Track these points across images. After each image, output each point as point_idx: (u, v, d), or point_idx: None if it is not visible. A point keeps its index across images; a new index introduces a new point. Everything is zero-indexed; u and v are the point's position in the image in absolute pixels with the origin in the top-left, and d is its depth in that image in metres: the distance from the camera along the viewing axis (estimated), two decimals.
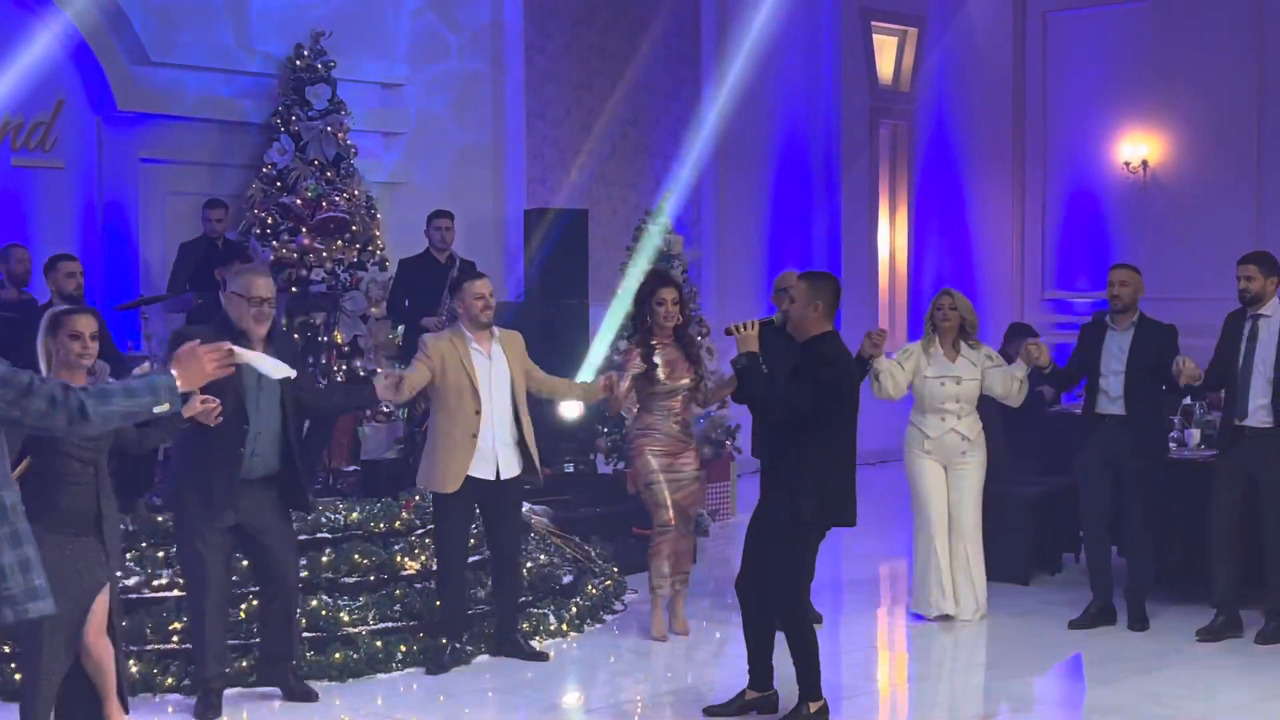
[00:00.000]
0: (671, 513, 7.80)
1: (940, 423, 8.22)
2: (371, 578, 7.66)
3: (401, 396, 7.09)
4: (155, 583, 7.23)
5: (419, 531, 8.04)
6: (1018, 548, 9.30)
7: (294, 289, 10.26)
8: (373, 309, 10.42)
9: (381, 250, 10.78)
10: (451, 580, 7.38)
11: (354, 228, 10.57)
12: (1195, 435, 8.94)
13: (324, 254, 10.37)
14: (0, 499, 4.07)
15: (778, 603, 6.37)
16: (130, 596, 7.11)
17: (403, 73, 12.02)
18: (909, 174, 16.19)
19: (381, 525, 7.94)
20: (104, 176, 10.63)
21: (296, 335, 9.91)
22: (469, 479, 7.23)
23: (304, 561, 7.43)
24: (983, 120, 16.11)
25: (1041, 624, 8.29)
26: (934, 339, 8.24)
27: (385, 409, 9.08)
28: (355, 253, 10.57)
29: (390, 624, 7.49)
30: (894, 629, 8.50)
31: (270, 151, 10.68)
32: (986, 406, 8.30)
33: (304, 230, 10.38)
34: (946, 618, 8.26)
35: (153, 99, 10.67)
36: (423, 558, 7.86)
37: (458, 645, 7.39)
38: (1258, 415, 7.70)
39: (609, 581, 8.83)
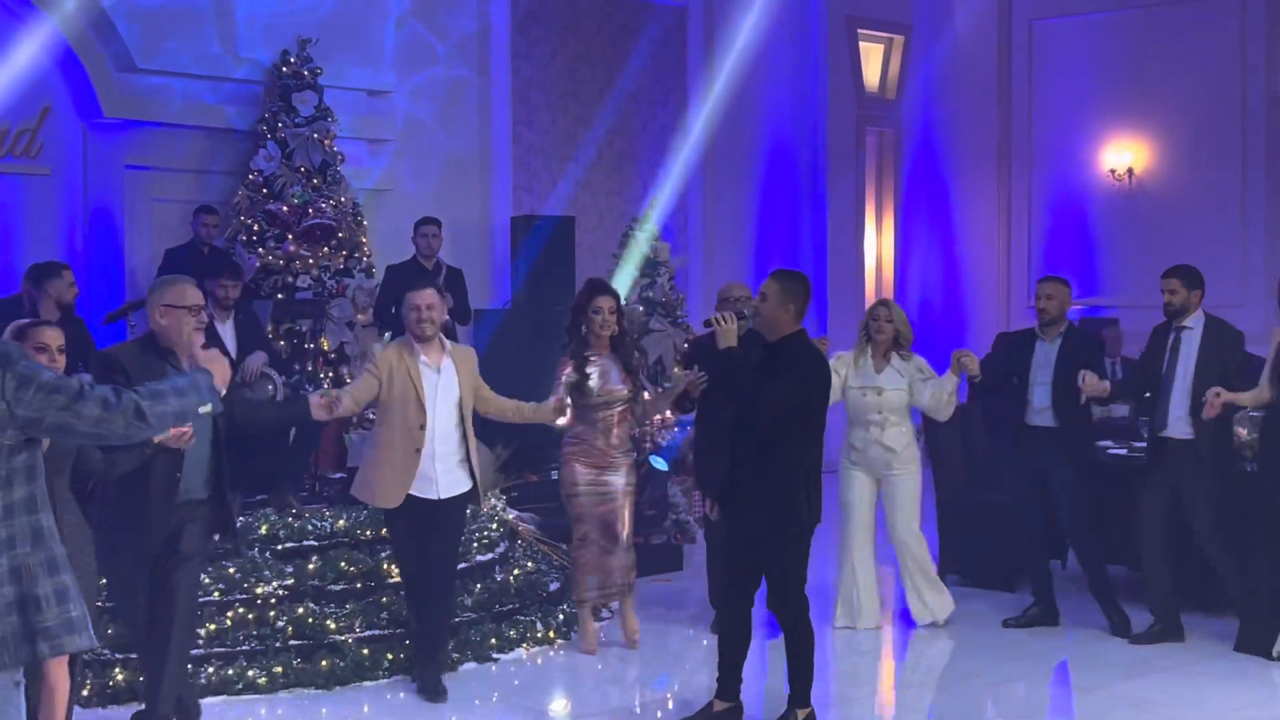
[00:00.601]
0: (587, 526, 7.71)
1: (865, 434, 8.18)
2: (358, 585, 7.65)
3: (339, 414, 6.81)
4: None
5: None
6: (1002, 554, 9.32)
7: (280, 296, 10.24)
8: (359, 316, 10.40)
9: (368, 257, 10.76)
10: (410, 607, 7.22)
11: (340, 235, 10.54)
12: None
13: (310, 261, 10.34)
14: (37, 522, 3.80)
15: (786, 608, 6.34)
16: (111, 604, 7.09)
17: (389, 80, 12.00)
18: (895, 181, 16.23)
19: (368, 532, 7.92)
20: (90, 183, 10.60)
21: (283, 343, 9.90)
22: (409, 497, 6.97)
23: (290, 569, 7.41)
24: (969, 128, 16.14)
25: (1027, 630, 8.29)
26: (866, 349, 8.20)
27: (371, 415, 9.01)
28: (342, 260, 10.54)
29: (377, 631, 7.48)
30: (881, 637, 8.50)
31: (256, 158, 10.65)
32: (971, 413, 8.31)
33: (290, 237, 10.35)
34: (850, 628, 8.30)
35: (139, 106, 10.64)
36: None
37: (434, 667, 7.13)
38: (1177, 427, 7.78)
39: None
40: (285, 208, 10.40)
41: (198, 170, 10.95)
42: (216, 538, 6.39)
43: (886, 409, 8.11)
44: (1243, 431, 8.68)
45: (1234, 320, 12.64)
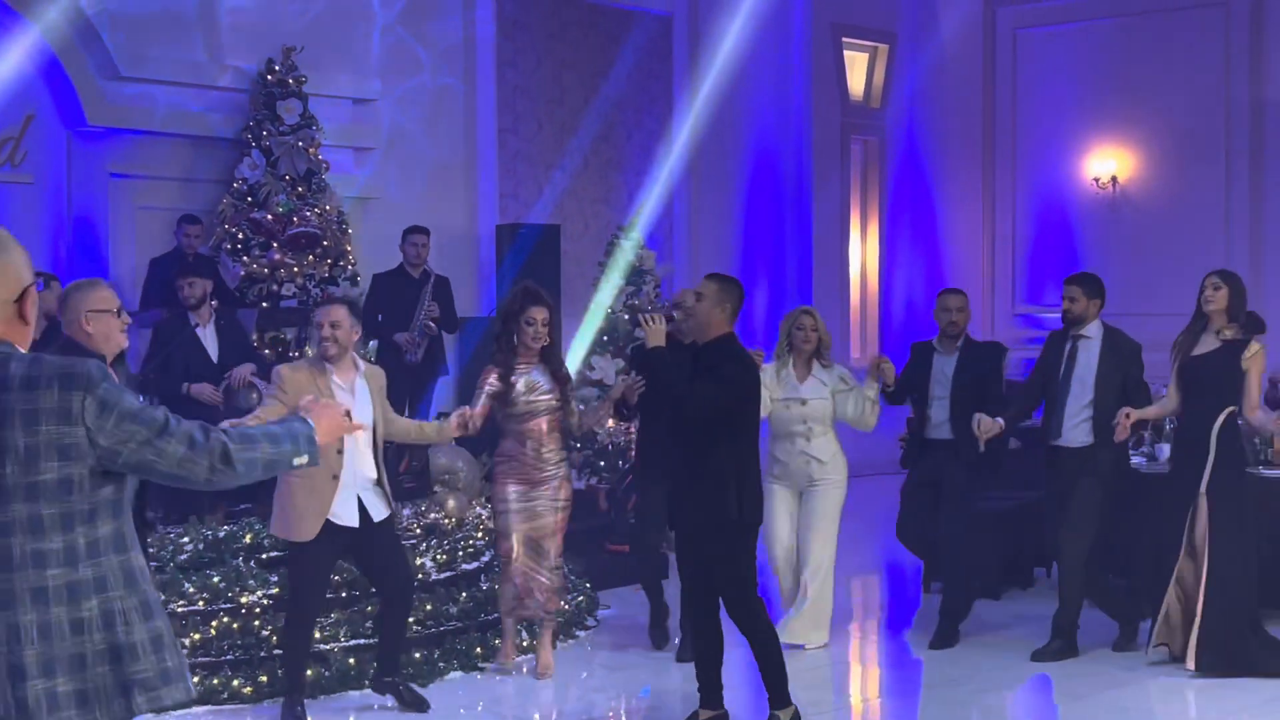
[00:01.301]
0: (511, 543, 7.41)
1: (790, 446, 7.99)
2: (343, 594, 7.63)
3: None
4: None
5: None
6: (989, 562, 9.33)
7: (265, 304, 10.23)
8: None
9: (353, 266, 10.75)
10: (297, 633, 6.71)
11: (325, 243, 10.54)
12: (1166, 450, 8.97)
13: (295, 269, 10.34)
14: (128, 562, 3.37)
15: (738, 612, 6.33)
16: None
17: (374, 88, 12.00)
18: (880, 189, 16.25)
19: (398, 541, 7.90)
20: (74, 191, 10.58)
21: (268, 351, 9.88)
22: (331, 526, 6.55)
23: (275, 578, 7.39)
24: (953, 136, 16.18)
25: (1012, 638, 8.30)
26: (788, 360, 8.04)
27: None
28: (326, 268, 10.54)
29: (362, 641, 7.46)
30: (865, 645, 8.50)
31: (241, 166, 10.64)
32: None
33: (275, 245, 10.35)
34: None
35: (123, 114, 10.62)
36: None
37: (299, 709, 6.69)
38: (1072, 435, 7.77)
39: (581, 598, 8.82)
40: (270, 216, 10.40)
41: (182, 178, 10.94)
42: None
43: (811, 419, 7.95)
44: None
45: None
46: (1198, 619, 7.44)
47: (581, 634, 8.44)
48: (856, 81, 16.01)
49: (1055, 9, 15.56)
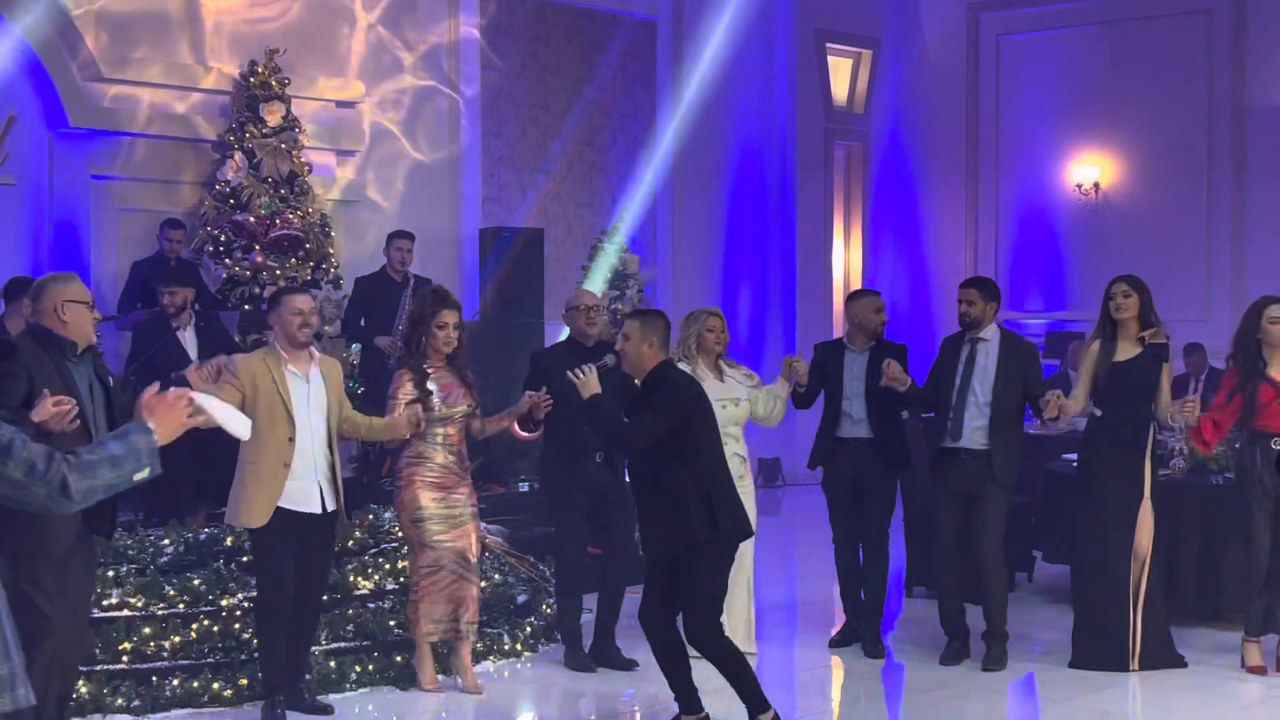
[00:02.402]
0: (438, 553, 7.16)
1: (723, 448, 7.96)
2: (325, 597, 7.61)
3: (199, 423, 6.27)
4: (105, 602, 7.16)
5: (372, 550, 8.00)
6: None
7: (247, 307, 10.21)
8: (326, 328, 10.37)
9: (335, 268, 10.74)
10: (270, 627, 6.70)
11: (307, 246, 10.52)
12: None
13: (277, 272, 10.31)
14: None
15: (698, 634, 6.26)
16: None
17: (357, 90, 11.99)
18: (863, 194, 16.28)
19: (335, 546, 7.88)
20: (55, 193, 10.55)
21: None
22: (284, 512, 6.54)
23: (255, 581, 7.37)
24: (936, 142, 16.21)
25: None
26: (697, 360, 7.78)
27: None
28: (309, 271, 10.52)
29: (344, 644, 7.44)
30: (848, 650, 8.48)
31: (223, 169, 10.62)
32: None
33: (257, 248, 10.33)
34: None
35: (105, 115, 10.60)
36: (376, 577, 7.82)
37: (281, 699, 6.73)
38: (973, 437, 7.76)
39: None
40: (252, 218, 10.38)
41: (164, 180, 10.91)
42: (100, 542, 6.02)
43: (740, 420, 7.85)
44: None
45: (1198, 336, 12.86)
46: (1140, 621, 7.58)
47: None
48: (840, 87, 16.04)
49: (1039, 15, 15.60)
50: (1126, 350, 7.61)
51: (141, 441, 3.54)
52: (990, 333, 7.87)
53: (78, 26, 10.39)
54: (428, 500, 7.16)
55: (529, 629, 8.22)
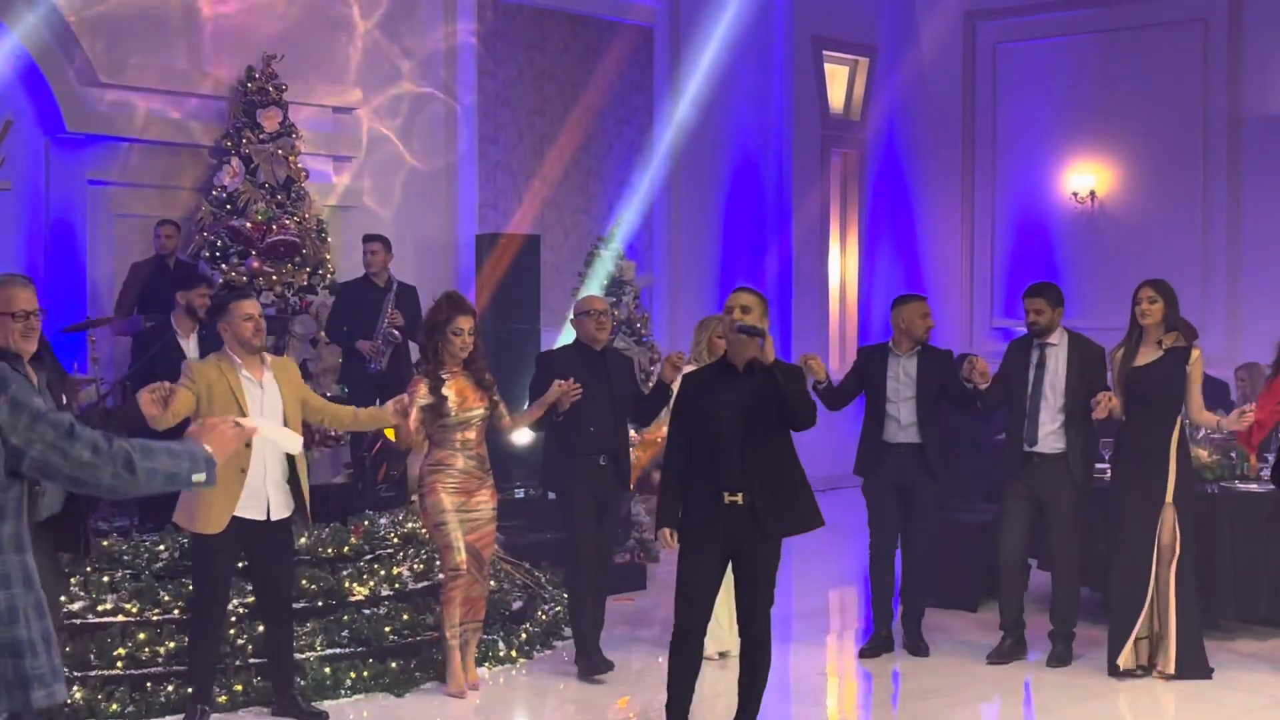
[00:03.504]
0: (464, 555, 7.21)
1: None
2: (319, 603, 7.61)
3: (165, 424, 6.25)
4: (100, 608, 7.16)
5: (368, 556, 8.00)
6: (966, 575, 9.35)
7: None
8: (322, 333, 10.37)
9: (332, 274, 10.73)
10: (208, 635, 6.68)
11: (304, 251, 10.52)
12: None
13: (274, 277, 10.31)
14: (25, 562, 3.51)
15: (767, 622, 6.18)
16: (74, 622, 7.05)
17: (354, 96, 11.99)
18: (860, 201, 16.29)
19: (330, 550, 7.89)
20: (52, 198, 10.55)
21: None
22: (236, 520, 6.52)
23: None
24: (933, 149, 16.23)
25: (989, 651, 8.30)
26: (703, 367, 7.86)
27: (333, 433, 8.94)
28: (305, 276, 10.52)
29: (338, 650, 7.44)
30: (844, 657, 8.50)
31: (220, 174, 10.62)
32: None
33: (254, 253, 10.32)
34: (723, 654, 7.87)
35: (102, 120, 10.60)
36: (371, 583, 7.82)
37: (207, 708, 6.71)
38: (1047, 441, 7.87)
39: (559, 608, 8.80)
40: (249, 224, 10.37)
41: (161, 185, 10.91)
42: (66, 557, 5.89)
43: None
44: (1204, 453, 8.76)
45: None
46: (1173, 627, 7.57)
47: (559, 644, 8.42)
48: (837, 94, 16.06)
49: (1035, 24, 15.62)
50: (1147, 355, 7.65)
51: (199, 450, 3.61)
52: (1058, 337, 7.98)
53: (75, 32, 10.39)
54: (449, 505, 7.23)
55: (524, 635, 8.23)
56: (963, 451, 9.29)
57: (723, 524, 6.00)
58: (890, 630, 8.31)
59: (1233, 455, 8.61)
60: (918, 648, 8.24)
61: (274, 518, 6.63)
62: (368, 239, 10.55)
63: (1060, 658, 7.95)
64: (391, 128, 12.38)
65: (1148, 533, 7.57)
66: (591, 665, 7.72)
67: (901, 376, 8.18)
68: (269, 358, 6.79)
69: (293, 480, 6.68)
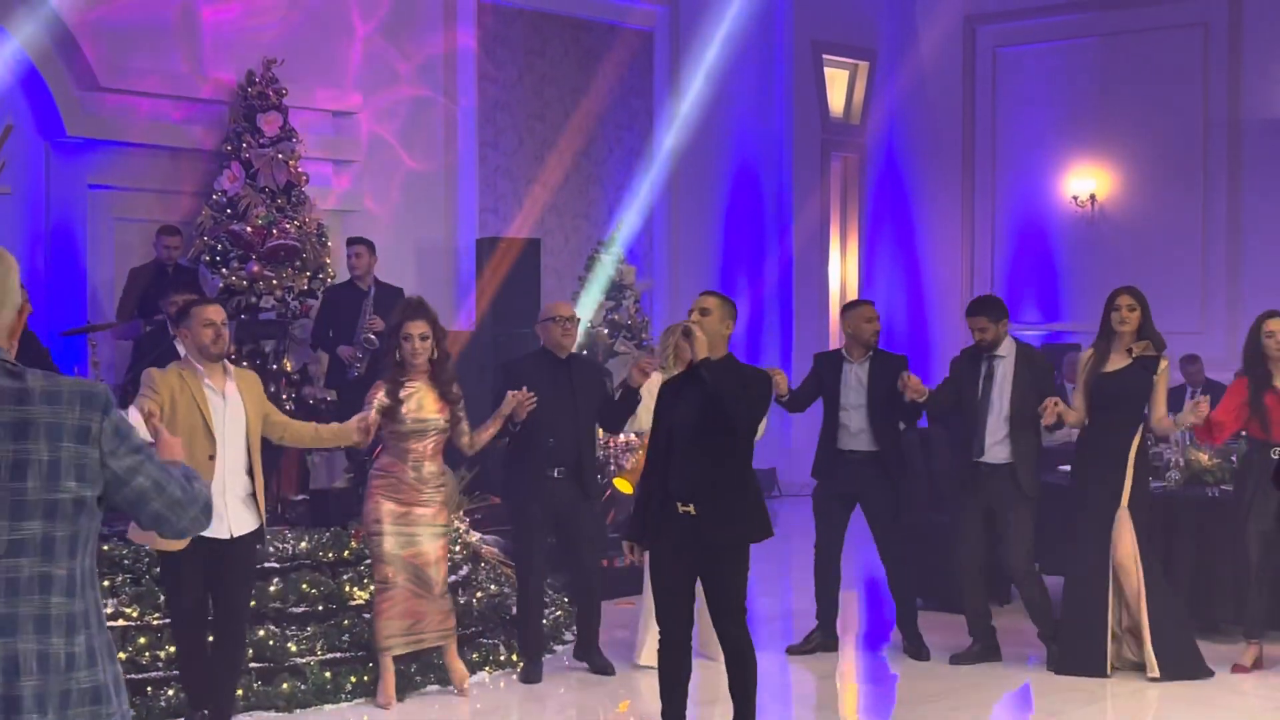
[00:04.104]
0: (392, 569, 7.06)
1: None
2: (320, 607, 7.61)
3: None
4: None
5: (368, 561, 7.99)
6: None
7: (244, 316, 10.20)
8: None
9: (332, 279, 10.73)
10: (192, 651, 6.52)
11: (304, 255, 10.52)
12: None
13: (274, 281, 10.31)
14: (99, 600, 3.20)
15: (742, 627, 6.18)
16: None
17: (354, 100, 11.99)
18: (860, 205, 16.29)
19: (330, 554, 7.90)
20: (52, 202, 10.55)
21: (245, 364, 9.84)
22: (199, 539, 6.00)
23: (251, 591, 7.36)
24: (933, 153, 16.23)
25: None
26: (674, 372, 7.47)
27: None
28: (305, 280, 10.52)
29: (339, 654, 7.44)
30: (841, 660, 8.49)
31: (220, 178, 10.62)
32: (931, 434, 8.20)
33: (254, 258, 10.32)
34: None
35: (102, 125, 10.60)
36: (371, 588, 7.81)
37: (205, 713, 6.52)
38: (994, 452, 7.93)
39: (559, 611, 8.80)
40: (249, 228, 10.37)
41: (161, 190, 10.91)
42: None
43: None
44: (1204, 456, 8.77)
45: (1194, 347, 12.88)
46: (1147, 630, 7.64)
47: (559, 648, 8.42)
48: (837, 98, 16.06)
49: (1035, 27, 15.62)
50: (1116, 361, 7.75)
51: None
52: (1006, 349, 8.03)
53: (75, 36, 10.39)
54: (384, 513, 7.13)
55: None
56: (959, 454, 9.27)
57: (679, 533, 6.01)
58: (830, 632, 8.38)
59: (1234, 459, 8.61)
60: (919, 651, 8.27)
61: (235, 534, 6.34)
62: (351, 242, 10.50)
63: (1056, 657, 7.96)
64: (391, 132, 12.38)
65: (1103, 535, 7.66)
66: (535, 674, 7.71)
67: (853, 383, 8.21)
68: (232, 368, 6.59)
69: (253, 496, 6.44)
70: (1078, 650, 7.80)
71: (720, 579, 6.08)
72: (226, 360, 6.54)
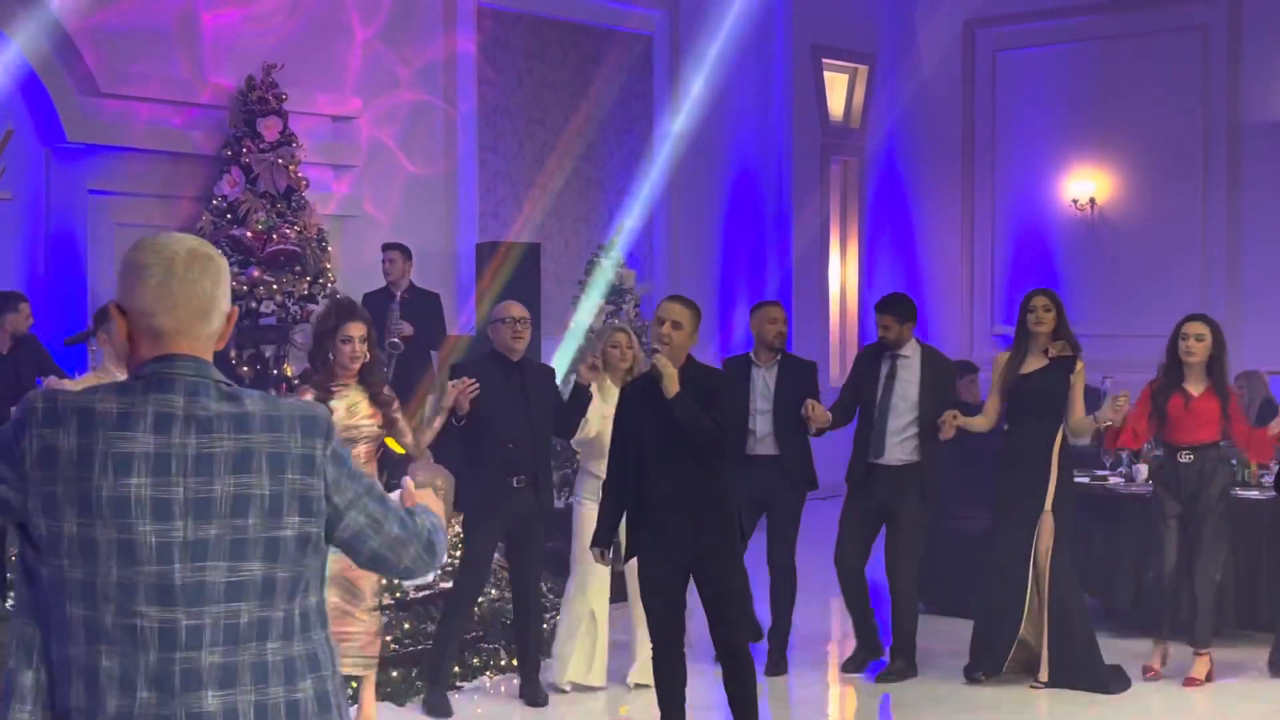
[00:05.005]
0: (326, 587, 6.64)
1: None
2: None
3: None
4: None
5: None
6: (964, 583, 9.33)
7: (244, 322, 10.21)
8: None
9: (332, 283, 10.74)
10: None
11: (305, 260, 10.53)
12: (1144, 470, 9.05)
13: (274, 286, 10.32)
14: (330, 638, 2.94)
15: (742, 635, 6.21)
16: None
17: (354, 105, 12.00)
18: (860, 209, 16.31)
19: None
20: (52, 208, 10.55)
21: (246, 368, 9.84)
22: None
23: None
24: (933, 157, 16.24)
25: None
26: (604, 375, 7.53)
27: None
28: (306, 285, 10.52)
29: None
30: (834, 669, 8.49)
31: (221, 183, 10.63)
32: (931, 439, 8.06)
33: (254, 263, 10.33)
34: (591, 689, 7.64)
35: (102, 130, 10.60)
36: None
37: None
38: (894, 453, 7.87)
39: (558, 616, 8.78)
40: (249, 233, 10.38)
41: (161, 195, 10.91)
42: None
43: None
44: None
45: None
46: (1046, 634, 7.65)
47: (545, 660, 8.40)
48: (836, 102, 16.07)
49: (1034, 31, 15.64)
50: (1034, 363, 7.71)
51: (438, 519, 3.10)
52: (911, 349, 7.97)
53: (75, 42, 10.39)
54: None
55: None
56: (961, 457, 9.28)
57: (669, 540, 6.00)
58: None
59: (1233, 462, 8.62)
60: (775, 668, 8.04)
61: None
62: (385, 248, 10.65)
63: (900, 673, 7.90)
64: (391, 136, 12.39)
65: (1025, 539, 7.61)
66: (439, 703, 7.28)
67: (760, 387, 8.09)
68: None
69: None
70: (985, 650, 7.75)
71: (713, 587, 6.05)
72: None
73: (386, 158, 12.34)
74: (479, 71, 12.99)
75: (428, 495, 3.19)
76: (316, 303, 10.52)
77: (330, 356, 6.64)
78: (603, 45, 13.93)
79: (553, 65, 13.61)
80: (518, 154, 13.34)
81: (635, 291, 12.02)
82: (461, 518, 7.54)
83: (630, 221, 13.61)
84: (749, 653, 6.16)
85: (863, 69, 16.17)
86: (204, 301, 2.79)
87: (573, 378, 7.57)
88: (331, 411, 6.32)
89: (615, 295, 11.68)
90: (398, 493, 3.12)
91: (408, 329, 10.35)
